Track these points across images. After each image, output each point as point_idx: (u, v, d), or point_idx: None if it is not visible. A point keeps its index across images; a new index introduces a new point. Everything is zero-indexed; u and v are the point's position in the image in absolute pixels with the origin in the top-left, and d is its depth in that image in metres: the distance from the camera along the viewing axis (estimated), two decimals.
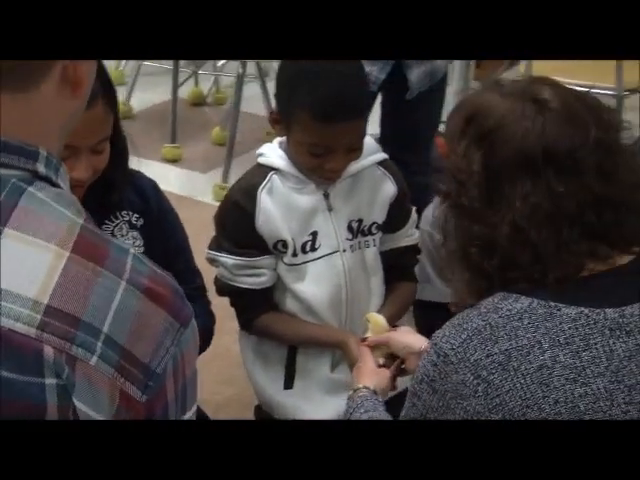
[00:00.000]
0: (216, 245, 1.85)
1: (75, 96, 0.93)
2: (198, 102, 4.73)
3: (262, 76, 4.16)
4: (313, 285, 1.86)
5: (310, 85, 1.69)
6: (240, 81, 3.71)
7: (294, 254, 1.84)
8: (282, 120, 1.77)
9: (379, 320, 1.81)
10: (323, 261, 1.86)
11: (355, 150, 1.77)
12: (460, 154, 1.22)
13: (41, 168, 0.89)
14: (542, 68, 3.48)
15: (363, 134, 1.76)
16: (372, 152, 1.87)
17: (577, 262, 1.18)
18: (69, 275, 0.84)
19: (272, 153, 1.84)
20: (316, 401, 1.89)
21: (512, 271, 1.18)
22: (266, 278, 1.84)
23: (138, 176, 1.75)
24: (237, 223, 1.81)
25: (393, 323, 1.89)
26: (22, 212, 0.86)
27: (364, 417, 1.50)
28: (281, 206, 1.81)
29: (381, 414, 1.51)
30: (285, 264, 1.85)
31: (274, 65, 4.40)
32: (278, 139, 1.89)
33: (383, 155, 1.91)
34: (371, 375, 1.65)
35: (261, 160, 1.86)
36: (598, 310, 1.16)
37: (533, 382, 1.13)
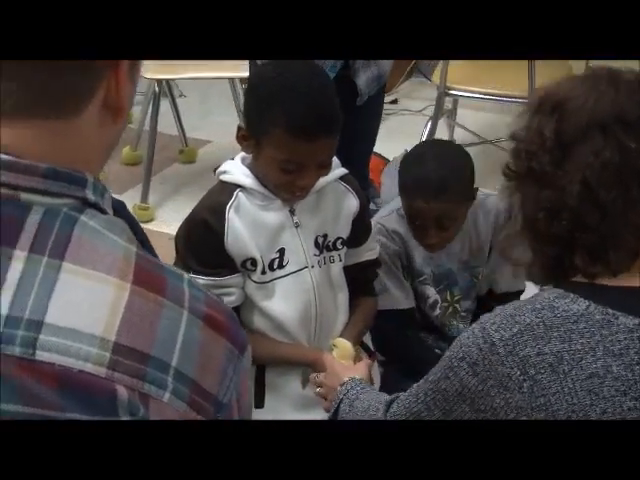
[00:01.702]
0: (182, 265, 1.82)
1: (116, 122, 0.90)
2: None
3: (173, 95, 4.13)
4: (283, 302, 1.85)
5: (286, 102, 1.68)
6: (157, 99, 3.65)
7: (263, 272, 1.83)
8: (251, 137, 1.76)
9: (347, 346, 1.84)
10: (292, 278, 1.85)
11: (325, 166, 1.77)
12: (533, 128, 1.22)
13: (90, 194, 0.86)
14: (454, 77, 3.57)
15: (335, 151, 1.77)
16: (334, 167, 1.87)
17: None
18: (133, 309, 0.81)
19: (236, 170, 1.83)
20: (287, 418, 1.88)
21: (580, 232, 1.17)
22: (235, 297, 1.82)
23: None
24: (206, 242, 1.79)
25: (360, 340, 1.95)
26: (78, 244, 0.82)
27: (347, 408, 1.52)
28: (249, 224, 1.80)
29: (369, 394, 1.51)
30: (254, 282, 1.83)
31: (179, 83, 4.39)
32: (239, 155, 1.87)
33: (344, 170, 1.92)
34: (349, 370, 1.68)
35: (224, 178, 1.84)
36: None
37: (582, 389, 1.12)
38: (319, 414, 1.86)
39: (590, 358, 1.13)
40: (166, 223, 3.60)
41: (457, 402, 1.20)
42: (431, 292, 2.26)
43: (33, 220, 0.81)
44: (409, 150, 2.24)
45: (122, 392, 0.79)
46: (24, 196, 0.82)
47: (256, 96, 1.76)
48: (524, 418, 1.14)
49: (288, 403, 1.91)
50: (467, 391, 1.19)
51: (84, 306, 0.80)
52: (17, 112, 0.83)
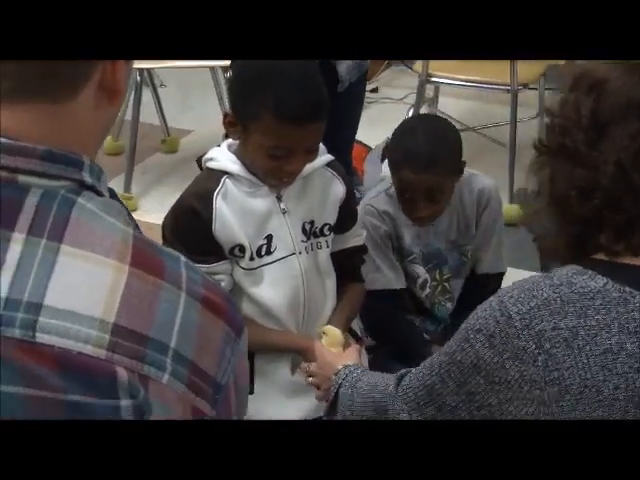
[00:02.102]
0: None
1: (112, 104, 0.90)
2: None
3: (154, 84, 4.12)
4: (271, 288, 1.86)
5: (274, 87, 1.68)
6: (139, 89, 3.64)
7: (251, 258, 1.83)
8: (239, 123, 1.76)
9: (336, 333, 1.84)
10: (280, 264, 1.86)
11: (313, 152, 1.78)
12: (569, 105, 1.22)
13: (87, 177, 0.86)
14: (436, 65, 3.58)
15: (322, 136, 1.77)
16: (320, 154, 1.88)
17: None
18: (132, 291, 0.81)
19: (223, 157, 1.83)
20: (278, 404, 1.89)
21: (610, 212, 1.17)
22: (224, 284, 1.82)
23: None
24: (194, 230, 1.79)
25: (348, 327, 1.96)
26: (75, 226, 0.82)
27: (349, 391, 1.53)
28: (236, 210, 1.80)
29: (372, 375, 1.52)
30: (242, 268, 1.84)
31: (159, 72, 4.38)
32: (226, 142, 1.87)
33: (330, 157, 1.92)
34: (341, 358, 1.68)
35: (211, 165, 1.84)
36: None
37: (596, 364, 1.14)
38: (308, 401, 1.88)
39: (605, 334, 1.14)
40: (149, 212, 3.59)
41: (472, 374, 1.21)
42: (421, 271, 2.28)
43: (31, 202, 0.81)
44: (399, 124, 2.27)
45: (122, 374, 0.79)
46: (22, 178, 0.82)
47: (243, 82, 1.76)
48: (537, 392, 1.15)
49: (277, 389, 1.91)
50: (482, 363, 1.19)
51: (83, 288, 0.80)
52: (15, 95, 0.82)
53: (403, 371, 1.44)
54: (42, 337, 0.78)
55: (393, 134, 2.22)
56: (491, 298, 1.22)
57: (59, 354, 0.78)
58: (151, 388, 0.81)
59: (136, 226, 0.89)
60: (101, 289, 0.80)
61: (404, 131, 2.21)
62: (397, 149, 2.16)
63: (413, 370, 1.38)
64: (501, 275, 2.36)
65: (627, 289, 1.16)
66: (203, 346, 0.84)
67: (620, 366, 1.14)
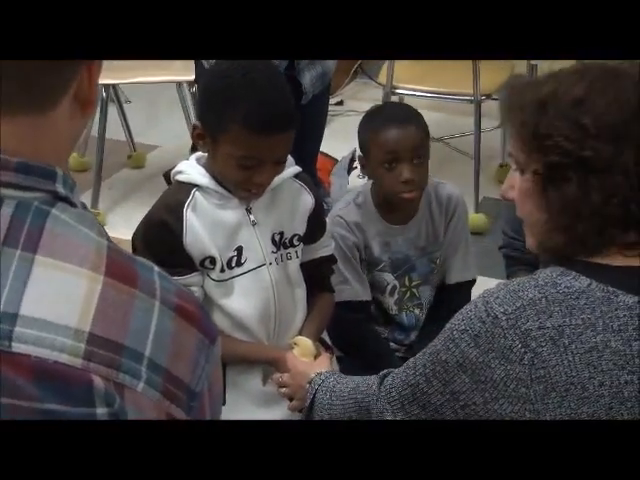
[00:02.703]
0: None
1: (84, 114, 0.91)
2: None
3: (120, 100, 4.12)
4: (242, 299, 1.87)
5: (242, 98, 1.70)
6: (105, 105, 3.64)
7: (222, 270, 1.84)
8: (208, 135, 1.77)
9: (308, 344, 1.86)
10: (250, 275, 1.87)
11: (281, 163, 1.79)
12: (570, 120, 1.22)
13: (60, 188, 0.87)
14: (400, 76, 3.62)
15: (290, 147, 1.79)
16: (288, 165, 1.89)
17: None
18: (107, 300, 0.82)
19: (192, 170, 1.84)
20: (250, 414, 1.89)
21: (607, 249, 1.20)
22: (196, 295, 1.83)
23: None
24: (164, 242, 1.79)
25: (319, 337, 1.98)
26: (50, 237, 0.83)
27: (326, 396, 1.54)
28: (206, 223, 1.81)
29: (349, 378, 1.54)
30: (213, 280, 1.85)
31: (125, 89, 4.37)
32: (194, 155, 1.88)
33: (297, 168, 1.94)
34: (313, 366, 1.70)
35: (180, 177, 1.84)
36: None
37: (581, 362, 1.16)
38: (280, 410, 1.89)
39: (590, 333, 1.17)
40: (116, 228, 3.58)
41: (457, 373, 1.22)
42: (389, 278, 2.30)
43: (5, 213, 0.82)
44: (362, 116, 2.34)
45: (98, 382, 0.80)
46: None
47: (211, 94, 1.78)
48: (523, 390, 1.17)
49: (249, 400, 1.92)
50: (468, 362, 1.21)
51: (58, 298, 0.81)
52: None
53: (385, 371, 1.46)
54: (18, 347, 0.78)
55: (361, 121, 2.29)
56: (476, 299, 1.25)
57: (35, 363, 0.79)
58: (127, 396, 0.82)
59: (108, 238, 0.90)
60: (76, 299, 0.81)
61: (370, 113, 2.32)
62: (371, 123, 2.23)
63: (396, 370, 1.40)
64: (472, 283, 2.39)
65: (610, 289, 1.19)
66: (177, 354, 0.85)
67: (605, 363, 1.16)
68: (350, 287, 2.22)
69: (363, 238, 2.25)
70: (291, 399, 1.76)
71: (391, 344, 2.35)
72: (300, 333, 1.95)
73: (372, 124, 2.22)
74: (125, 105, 4.32)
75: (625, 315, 1.18)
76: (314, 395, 1.58)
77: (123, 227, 3.16)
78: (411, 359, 1.35)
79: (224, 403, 1.86)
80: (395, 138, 2.14)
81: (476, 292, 2.36)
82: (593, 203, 1.21)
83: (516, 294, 1.20)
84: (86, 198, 3.75)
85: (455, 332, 1.23)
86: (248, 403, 1.91)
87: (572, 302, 1.19)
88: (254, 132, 1.70)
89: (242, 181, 1.77)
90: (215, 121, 1.75)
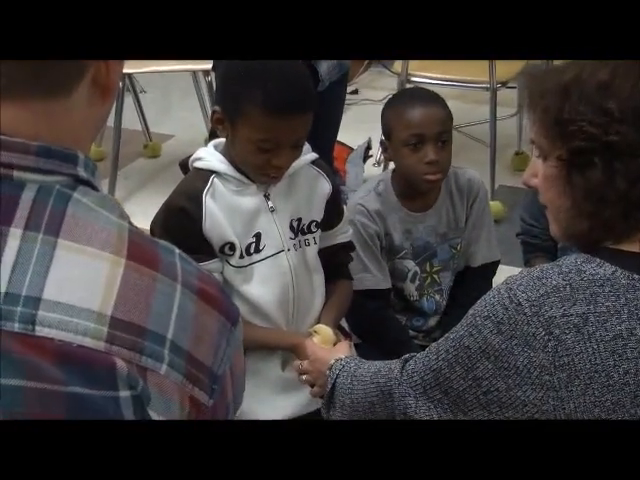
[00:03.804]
0: None
1: (105, 101, 0.91)
2: None
3: (135, 90, 4.12)
4: (261, 286, 1.87)
5: (261, 80, 1.70)
6: (122, 94, 3.65)
7: (241, 256, 1.84)
8: (227, 119, 1.77)
9: (328, 332, 1.85)
10: (269, 261, 1.87)
11: (299, 147, 1.80)
12: (594, 105, 1.22)
13: (81, 172, 0.87)
14: (415, 64, 3.61)
15: (309, 129, 1.79)
16: (305, 152, 1.89)
17: None
18: (129, 284, 0.82)
19: (210, 157, 1.84)
20: (269, 401, 1.90)
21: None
22: None
23: None
24: (184, 229, 1.79)
25: (338, 324, 1.97)
26: (72, 220, 0.83)
27: (347, 380, 1.53)
28: (225, 209, 1.81)
29: (371, 363, 1.53)
30: (232, 266, 1.85)
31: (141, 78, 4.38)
32: (213, 142, 1.88)
33: (315, 155, 1.94)
34: (333, 353, 1.70)
35: (199, 164, 1.85)
36: None
37: (606, 350, 1.16)
38: (300, 396, 1.89)
39: (615, 320, 1.16)
40: (133, 217, 3.58)
41: (480, 359, 1.22)
42: (411, 265, 2.30)
43: (27, 198, 0.82)
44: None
45: (121, 365, 0.80)
46: (17, 174, 0.83)
47: (230, 78, 1.78)
48: (546, 377, 1.17)
49: (269, 386, 1.92)
50: (490, 349, 1.21)
51: (80, 282, 0.81)
52: (10, 93, 0.83)
53: (407, 356, 1.46)
54: (42, 330, 0.79)
55: (383, 107, 2.28)
56: (499, 285, 1.24)
57: (59, 347, 0.79)
58: (149, 379, 0.82)
59: (130, 221, 0.90)
60: (98, 282, 0.82)
61: (395, 96, 2.34)
62: (396, 106, 2.23)
63: (418, 355, 1.40)
64: (497, 263, 2.38)
65: (636, 276, 1.19)
66: (199, 337, 0.86)
67: (630, 351, 1.16)
68: (371, 275, 2.22)
69: (384, 226, 2.25)
70: (312, 385, 1.76)
71: (410, 331, 2.35)
72: (319, 320, 1.95)
73: (397, 106, 2.21)
74: (140, 95, 4.32)
75: None
76: (335, 380, 1.58)
77: (139, 216, 3.15)
78: (433, 344, 1.35)
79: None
80: (421, 118, 2.13)
81: (492, 279, 2.36)
82: (618, 188, 1.20)
83: (540, 281, 1.20)
84: (102, 188, 3.76)
85: (478, 318, 1.23)
86: (268, 390, 1.92)
87: (596, 289, 1.18)
88: (273, 114, 1.70)
89: (261, 165, 1.77)
90: (234, 105, 1.75)
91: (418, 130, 2.13)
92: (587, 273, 1.20)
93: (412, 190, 2.24)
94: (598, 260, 1.21)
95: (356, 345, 2.28)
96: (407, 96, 2.29)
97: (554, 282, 1.19)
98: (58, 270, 0.81)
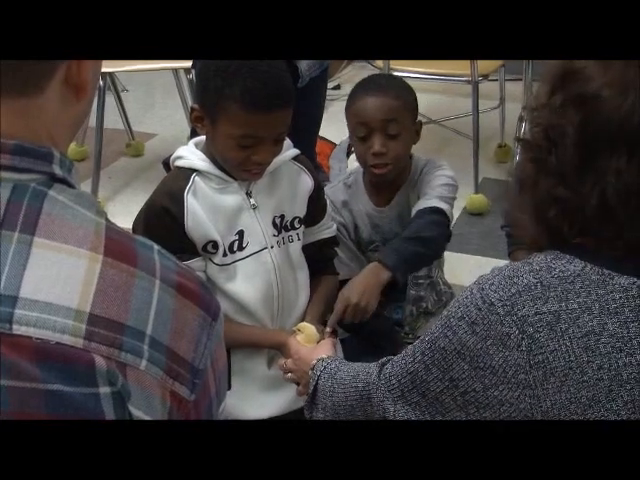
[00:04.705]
0: None
1: (79, 100, 0.90)
2: None
3: (117, 89, 4.11)
4: (245, 283, 1.87)
5: (238, 76, 1.70)
6: (103, 93, 3.63)
7: (224, 254, 1.84)
8: (206, 116, 1.77)
9: (312, 331, 1.85)
10: (252, 259, 1.87)
11: (280, 142, 1.80)
12: (554, 107, 1.20)
13: (57, 170, 0.87)
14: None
15: (289, 124, 1.78)
16: (287, 148, 1.89)
17: None
18: (107, 280, 0.82)
19: (191, 155, 1.84)
20: (256, 399, 1.90)
21: (588, 238, 1.19)
22: None
23: None
24: (166, 228, 1.79)
25: (323, 320, 1.96)
26: (48, 218, 0.83)
27: (329, 382, 1.53)
28: (207, 207, 1.81)
29: (351, 365, 1.53)
30: (216, 265, 1.85)
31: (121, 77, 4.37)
32: (193, 140, 1.88)
33: (296, 150, 1.94)
34: (316, 352, 1.69)
35: (180, 163, 1.84)
36: None
37: (579, 346, 1.15)
38: (286, 394, 1.89)
39: (587, 317, 1.16)
40: (116, 216, 3.57)
41: (455, 360, 1.22)
42: None
43: (2, 196, 0.82)
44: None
45: (100, 362, 0.80)
46: None
47: (208, 75, 1.77)
48: (522, 376, 1.16)
49: (255, 384, 1.92)
50: (466, 349, 1.21)
51: (58, 279, 0.81)
52: None
53: (384, 359, 1.45)
54: (19, 329, 0.79)
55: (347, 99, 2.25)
56: (471, 285, 1.23)
57: (37, 345, 0.79)
58: (129, 375, 0.82)
59: (107, 218, 0.89)
60: (76, 279, 0.81)
61: (355, 85, 2.28)
62: (351, 94, 2.21)
63: (394, 358, 1.39)
64: (437, 211, 2.15)
65: (605, 271, 1.18)
66: (179, 332, 0.86)
67: (602, 347, 1.15)
68: (345, 265, 2.20)
69: (352, 217, 2.23)
70: (297, 384, 1.76)
71: (389, 320, 2.35)
72: (304, 316, 1.95)
73: (351, 95, 2.20)
74: (122, 93, 4.31)
75: (621, 297, 1.17)
76: (317, 382, 1.58)
77: (123, 215, 3.15)
78: (410, 346, 1.35)
79: (229, 388, 1.87)
80: (365, 108, 2.11)
81: (476, 272, 2.34)
82: (537, 197, 1.21)
83: (511, 280, 1.19)
84: (85, 187, 3.75)
85: (452, 319, 1.23)
86: (254, 388, 1.92)
87: (567, 286, 1.17)
88: (252, 109, 1.70)
89: (242, 161, 1.77)
90: (213, 102, 1.75)
91: (362, 119, 2.11)
92: (557, 270, 1.19)
93: (372, 183, 2.23)
94: (568, 256, 1.20)
95: (342, 340, 2.28)
96: (361, 85, 2.24)
97: (525, 280, 1.19)
98: (35, 268, 0.81)
